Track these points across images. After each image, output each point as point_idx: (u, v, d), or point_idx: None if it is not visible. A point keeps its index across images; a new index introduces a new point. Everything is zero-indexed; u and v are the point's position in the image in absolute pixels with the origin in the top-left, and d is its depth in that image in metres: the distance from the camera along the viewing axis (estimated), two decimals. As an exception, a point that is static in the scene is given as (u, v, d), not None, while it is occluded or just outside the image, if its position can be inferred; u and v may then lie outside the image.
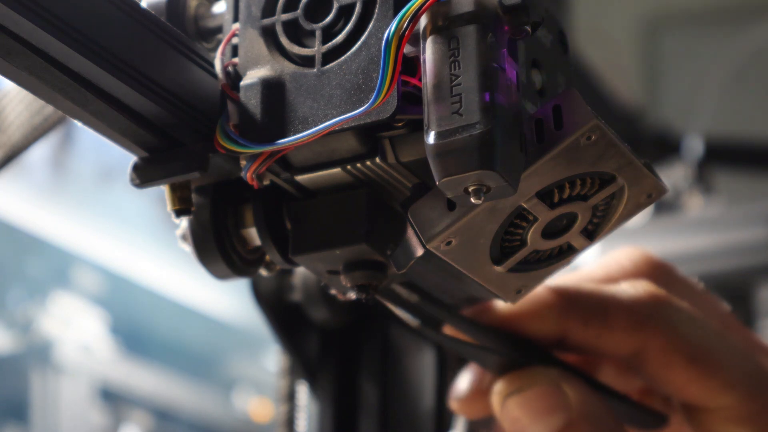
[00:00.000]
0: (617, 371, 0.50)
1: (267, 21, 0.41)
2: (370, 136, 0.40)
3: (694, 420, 0.47)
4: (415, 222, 0.39)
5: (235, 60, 0.42)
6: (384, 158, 0.40)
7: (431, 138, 0.35)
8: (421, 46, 0.37)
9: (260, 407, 2.77)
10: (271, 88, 0.40)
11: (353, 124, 0.38)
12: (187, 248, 0.44)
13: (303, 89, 0.40)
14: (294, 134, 0.39)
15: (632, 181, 0.40)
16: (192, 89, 0.40)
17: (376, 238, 0.42)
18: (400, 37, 0.37)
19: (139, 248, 2.59)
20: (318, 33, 0.40)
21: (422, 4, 0.36)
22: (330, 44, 0.40)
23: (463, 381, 0.49)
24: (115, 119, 0.39)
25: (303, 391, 0.58)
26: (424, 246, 0.39)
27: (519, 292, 0.44)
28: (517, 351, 0.46)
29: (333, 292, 0.46)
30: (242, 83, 0.41)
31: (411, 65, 0.38)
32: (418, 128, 0.38)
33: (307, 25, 0.41)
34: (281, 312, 0.56)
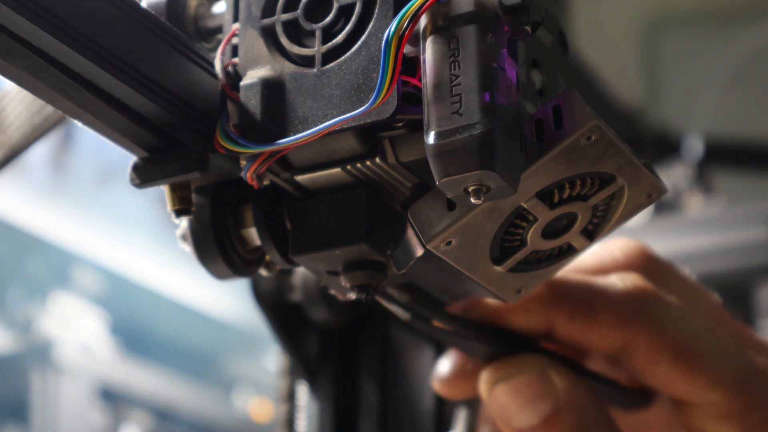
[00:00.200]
0: (606, 360, 0.50)
1: (267, 21, 0.41)
2: (370, 136, 0.40)
3: (681, 414, 0.47)
4: (415, 222, 0.39)
5: (235, 60, 0.42)
6: (384, 158, 0.40)
7: (431, 138, 0.35)
8: (421, 46, 0.37)
9: (260, 407, 2.77)
10: (271, 88, 0.40)
11: (353, 124, 0.38)
12: (187, 248, 0.44)
13: (303, 89, 0.40)
14: (294, 134, 0.39)
15: (632, 181, 0.40)
16: (192, 89, 0.40)
17: (376, 238, 0.42)
18: (400, 37, 0.37)
19: (139, 248, 2.59)
20: (318, 33, 0.40)
21: (422, 4, 0.36)
22: (330, 44, 0.40)
23: (446, 363, 0.49)
24: (115, 119, 0.39)
25: (303, 391, 0.58)
26: (424, 246, 0.39)
27: (519, 292, 0.44)
28: (504, 343, 0.46)
29: (333, 292, 0.46)
30: (242, 83, 0.41)
31: (411, 65, 0.38)
32: (418, 128, 0.38)
33: (307, 25, 0.41)
34: (281, 312, 0.56)
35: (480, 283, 0.42)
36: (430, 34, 0.36)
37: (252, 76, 0.41)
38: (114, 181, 2.36)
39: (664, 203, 1.17)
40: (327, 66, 0.40)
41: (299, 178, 0.42)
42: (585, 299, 0.46)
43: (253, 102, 0.40)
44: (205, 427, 2.65)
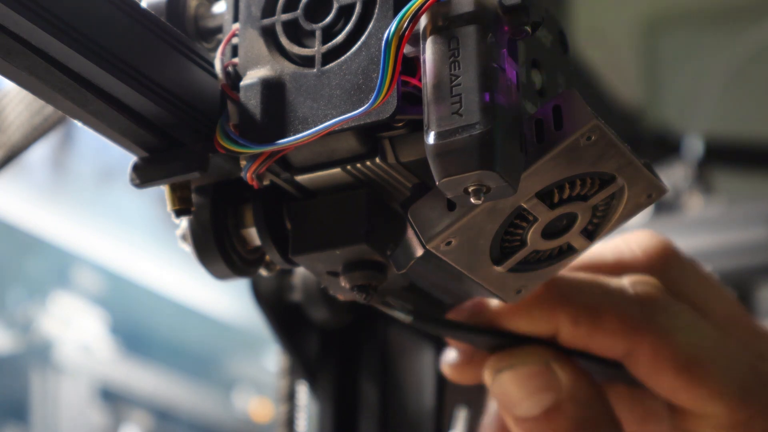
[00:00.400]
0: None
1: (267, 21, 0.41)
2: (370, 136, 0.40)
3: (683, 423, 0.47)
4: (415, 222, 0.39)
5: (235, 60, 0.42)
6: (384, 158, 0.40)
7: (431, 138, 0.35)
8: (421, 46, 0.37)
9: (260, 407, 2.77)
10: (271, 88, 0.40)
11: (353, 125, 0.38)
12: (187, 248, 0.44)
13: (303, 89, 0.40)
14: (294, 134, 0.39)
15: (632, 181, 0.40)
16: (192, 89, 0.40)
17: (376, 238, 0.42)
18: (400, 37, 0.37)
19: (139, 248, 2.59)
20: (318, 33, 0.40)
21: (422, 4, 0.36)
22: (330, 44, 0.40)
23: (453, 350, 0.49)
24: (115, 119, 0.39)
25: (303, 391, 0.58)
26: (424, 246, 0.39)
27: (519, 292, 0.44)
28: (509, 336, 0.46)
29: (332, 292, 0.46)
30: (242, 83, 0.41)
31: (411, 65, 0.38)
32: (418, 128, 0.38)
33: (307, 25, 0.41)
34: (281, 312, 0.56)
35: (480, 283, 0.42)
36: (430, 34, 0.36)
37: (252, 76, 0.41)
38: (114, 181, 2.36)
39: (664, 203, 1.17)
40: (327, 66, 0.40)
41: (299, 178, 0.42)
42: (591, 304, 0.46)
43: (253, 102, 0.40)
44: (205, 427, 2.65)
